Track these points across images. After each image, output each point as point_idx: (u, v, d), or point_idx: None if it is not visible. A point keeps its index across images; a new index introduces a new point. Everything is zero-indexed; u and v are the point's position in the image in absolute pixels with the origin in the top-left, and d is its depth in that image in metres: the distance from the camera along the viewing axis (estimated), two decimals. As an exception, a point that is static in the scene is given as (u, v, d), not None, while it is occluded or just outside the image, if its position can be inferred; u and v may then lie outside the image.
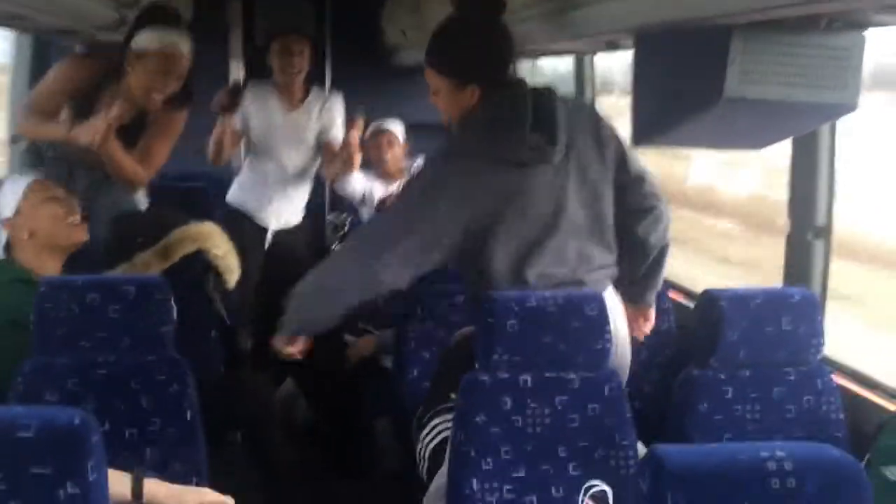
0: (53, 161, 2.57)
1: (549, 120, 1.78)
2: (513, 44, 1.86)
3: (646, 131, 1.80)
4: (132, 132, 2.64)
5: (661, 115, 1.74)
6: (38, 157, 2.63)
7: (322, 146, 3.17)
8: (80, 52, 2.69)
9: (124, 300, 1.81)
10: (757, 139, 1.78)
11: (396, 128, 3.61)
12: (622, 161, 1.89)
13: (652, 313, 2.13)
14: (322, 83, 4.25)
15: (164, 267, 2.40)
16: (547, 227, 1.84)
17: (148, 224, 2.50)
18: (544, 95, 1.81)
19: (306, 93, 3.21)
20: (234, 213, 3.20)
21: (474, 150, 1.81)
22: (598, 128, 1.88)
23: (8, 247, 2.07)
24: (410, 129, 3.62)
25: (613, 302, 1.92)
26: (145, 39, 2.41)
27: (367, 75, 4.11)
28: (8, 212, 2.05)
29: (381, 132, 3.57)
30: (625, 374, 1.93)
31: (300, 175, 3.23)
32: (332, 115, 3.15)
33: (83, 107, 2.47)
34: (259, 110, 3.16)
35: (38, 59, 3.69)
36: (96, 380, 1.79)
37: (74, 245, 2.12)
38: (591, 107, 1.93)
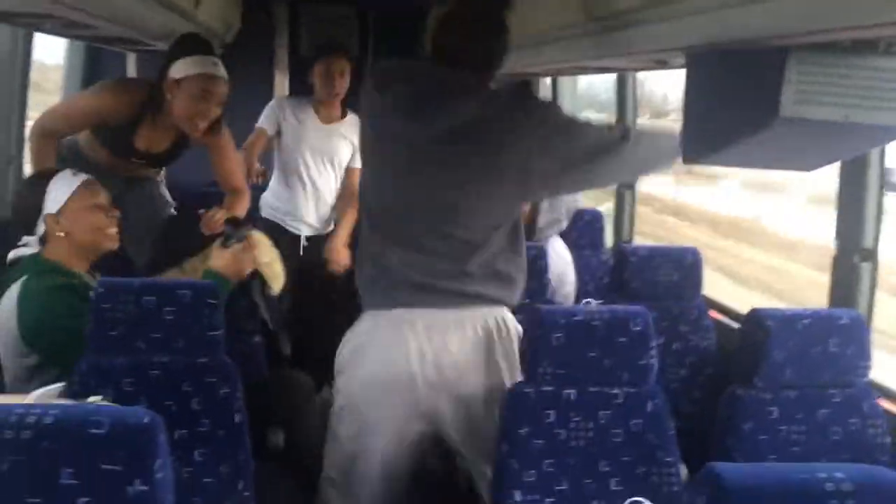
0: (79, 165, 2.66)
1: (438, 98, 1.78)
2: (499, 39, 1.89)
3: (695, 149, 1.80)
4: (166, 159, 2.75)
5: (712, 134, 1.74)
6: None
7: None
8: (113, 84, 2.74)
9: (179, 303, 1.84)
10: (809, 160, 1.77)
11: None
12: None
13: None
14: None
15: (212, 272, 2.46)
16: (396, 210, 1.85)
17: (196, 231, 2.55)
18: (464, 78, 1.80)
19: (344, 113, 3.30)
20: (267, 222, 3.28)
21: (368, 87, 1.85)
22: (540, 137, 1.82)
23: (42, 240, 2.09)
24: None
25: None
26: (184, 66, 2.46)
27: None
28: (53, 208, 2.07)
29: None
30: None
31: (330, 189, 3.32)
32: None
33: (118, 132, 2.57)
34: (295, 126, 3.27)
35: (90, 63, 3.80)
36: (150, 380, 1.83)
37: (101, 250, 2.15)
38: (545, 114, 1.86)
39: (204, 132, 2.59)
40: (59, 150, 2.60)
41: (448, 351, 1.85)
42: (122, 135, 2.56)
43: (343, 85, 3.26)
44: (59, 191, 2.09)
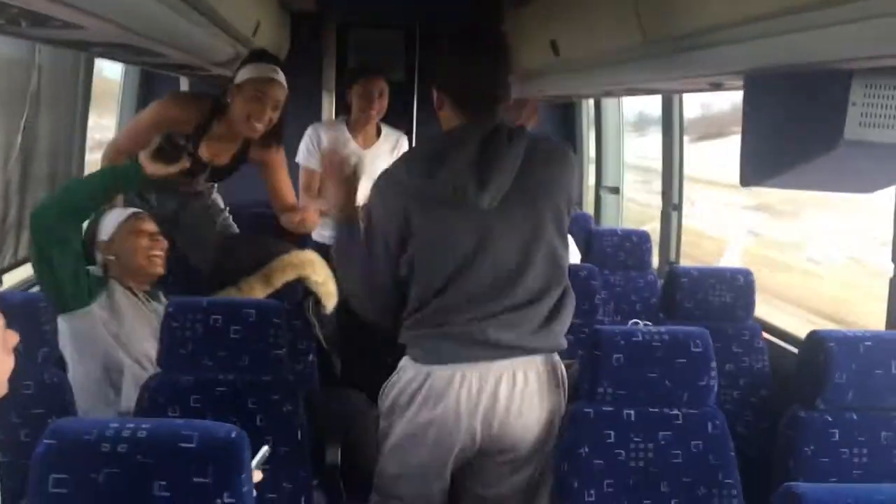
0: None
1: (492, 164, 1.76)
2: (502, 62, 1.86)
3: (756, 172, 1.81)
4: (226, 172, 2.84)
5: (773, 157, 1.75)
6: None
7: None
8: (178, 93, 2.84)
9: (245, 322, 1.89)
10: (871, 182, 1.77)
11: None
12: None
13: None
14: (409, 121, 4.42)
15: (268, 292, 2.52)
16: (462, 267, 1.81)
17: (253, 251, 2.61)
18: (500, 138, 1.78)
19: (379, 131, 3.34)
20: (317, 244, 3.31)
21: (404, 177, 1.82)
22: (565, 184, 1.86)
23: (104, 267, 2.26)
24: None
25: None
26: (245, 72, 2.61)
27: None
28: (105, 236, 2.27)
29: None
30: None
31: None
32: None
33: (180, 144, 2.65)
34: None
35: (145, 85, 3.91)
36: (216, 397, 1.88)
37: (151, 276, 2.29)
38: (567, 158, 1.88)
39: (261, 145, 2.71)
40: None
41: (498, 401, 1.83)
42: (186, 139, 2.65)
43: (382, 105, 3.28)
44: (111, 222, 2.28)
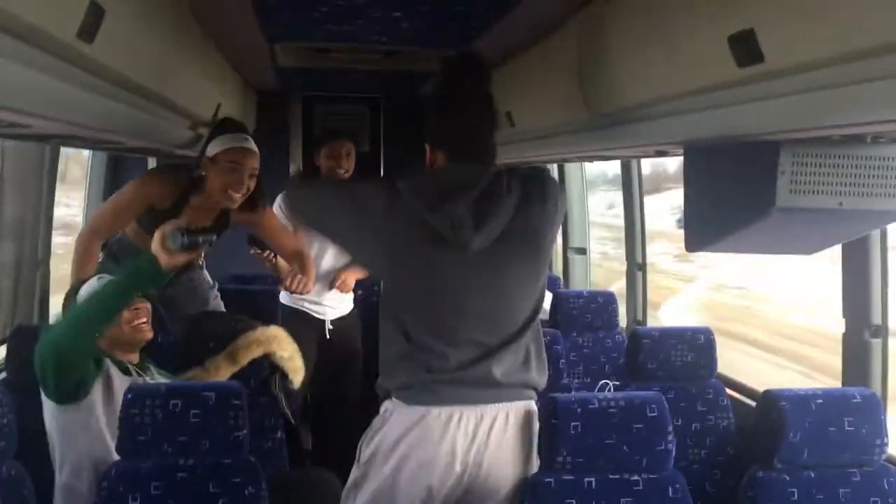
0: (130, 256, 2.78)
1: (489, 210, 1.81)
2: (491, 120, 1.92)
3: (698, 238, 1.87)
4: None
5: (712, 223, 1.81)
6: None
7: None
8: (154, 170, 2.88)
9: (204, 405, 1.90)
10: (808, 244, 1.83)
11: None
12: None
13: None
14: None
15: (233, 370, 2.52)
16: (452, 305, 1.84)
17: (218, 328, 2.62)
18: (500, 184, 1.84)
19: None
20: (287, 308, 3.32)
21: (412, 200, 1.84)
22: (555, 220, 1.91)
23: None
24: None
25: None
26: (217, 144, 2.63)
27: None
28: None
29: None
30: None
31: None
32: None
33: (163, 217, 2.67)
34: None
35: (113, 167, 3.95)
36: (177, 483, 1.86)
37: (138, 342, 2.25)
38: (555, 188, 1.93)
39: (246, 209, 2.74)
40: (109, 246, 2.74)
41: (488, 445, 1.84)
42: (167, 218, 2.66)
43: (350, 165, 3.34)
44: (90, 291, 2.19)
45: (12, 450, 1.83)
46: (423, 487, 1.84)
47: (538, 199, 1.88)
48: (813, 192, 1.61)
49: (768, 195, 1.62)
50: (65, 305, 2.24)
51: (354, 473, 1.91)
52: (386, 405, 1.89)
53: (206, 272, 3.11)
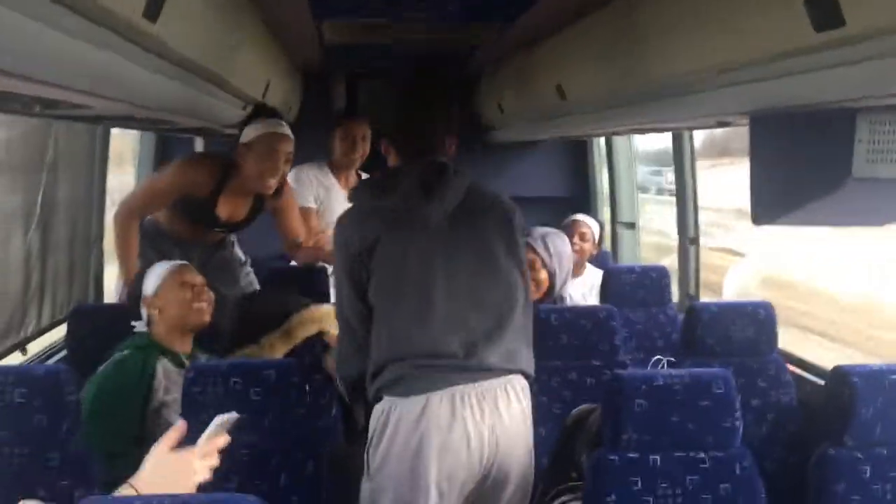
0: (161, 239, 2.88)
1: (438, 184, 1.86)
2: (444, 119, 1.97)
3: (767, 211, 1.80)
4: (244, 225, 2.92)
5: (782, 195, 1.75)
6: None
7: None
8: (192, 156, 2.93)
9: (264, 383, 1.91)
10: (882, 216, 1.77)
11: (589, 221, 3.62)
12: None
13: None
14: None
15: (288, 348, 2.54)
16: (428, 289, 1.85)
17: (272, 307, 2.63)
18: (446, 169, 1.89)
19: (359, 175, 3.39)
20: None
21: (364, 199, 1.92)
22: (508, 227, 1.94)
23: (149, 323, 2.27)
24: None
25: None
26: (252, 130, 2.66)
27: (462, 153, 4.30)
28: (149, 291, 2.27)
29: (574, 223, 3.58)
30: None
31: None
32: None
33: (200, 204, 2.73)
34: (324, 195, 3.35)
35: (161, 146, 3.99)
36: (240, 460, 1.88)
37: (196, 326, 2.29)
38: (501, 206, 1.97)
39: (274, 195, 2.77)
40: (141, 227, 2.78)
41: (501, 421, 1.84)
42: (205, 206, 2.73)
43: (365, 150, 3.32)
44: (155, 276, 2.29)
45: (77, 429, 1.86)
46: (445, 476, 1.81)
47: (482, 195, 1.94)
48: (891, 161, 1.55)
49: (844, 165, 1.55)
50: (131, 299, 2.30)
51: (368, 485, 1.86)
52: (380, 407, 1.86)
53: (238, 250, 3.14)
